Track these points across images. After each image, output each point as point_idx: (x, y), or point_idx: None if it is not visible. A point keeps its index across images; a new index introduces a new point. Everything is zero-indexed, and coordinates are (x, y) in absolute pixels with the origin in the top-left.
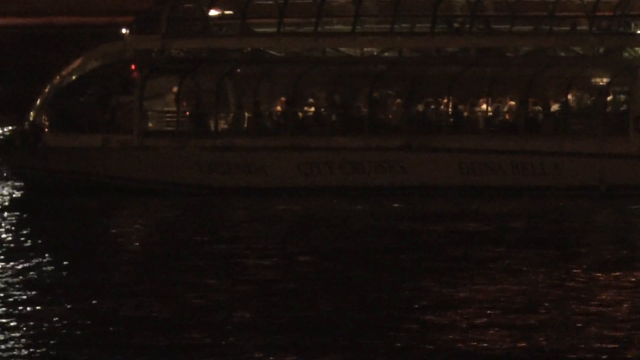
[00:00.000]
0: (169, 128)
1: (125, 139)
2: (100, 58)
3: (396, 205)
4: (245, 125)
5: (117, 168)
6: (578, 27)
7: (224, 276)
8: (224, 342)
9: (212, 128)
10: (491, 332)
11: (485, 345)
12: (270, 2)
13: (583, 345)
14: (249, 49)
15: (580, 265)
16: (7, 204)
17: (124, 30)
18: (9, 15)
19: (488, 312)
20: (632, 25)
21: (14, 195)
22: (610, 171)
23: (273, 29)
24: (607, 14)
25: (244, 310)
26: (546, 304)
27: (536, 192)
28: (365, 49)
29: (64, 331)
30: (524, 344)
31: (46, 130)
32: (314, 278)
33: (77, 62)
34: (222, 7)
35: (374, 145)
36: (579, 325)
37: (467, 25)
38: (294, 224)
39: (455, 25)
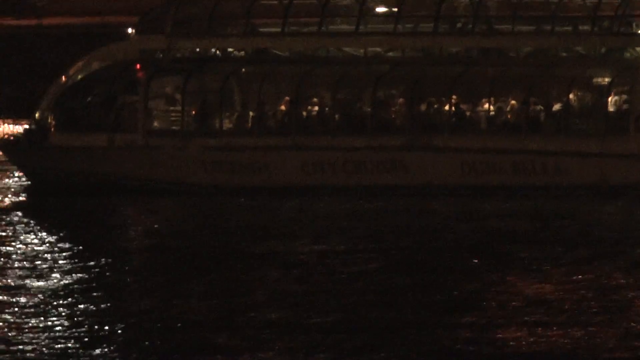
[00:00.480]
0: (173, 127)
1: (130, 138)
2: (105, 58)
3: (414, 204)
4: (250, 124)
5: (122, 167)
6: (580, 28)
7: (251, 276)
8: (254, 343)
9: (217, 127)
10: (531, 331)
11: (524, 344)
12: (275, 2)
13: (625, 344)
14: (254, 48)
15: (614, 264)
16: (13, 203)
17: (129, 30)
18: (60, 14)
19: (526, 310)
20: (634, 25)
21: (20, 195)
22: (611, 171)
23: (277, 29)
24: (608, 14)
25: (273, 310)
26: (580, 302)
27: (537, 191)
28: (368, 49)
29: (87, 330)
30: (561, 341)
31: (52, 129)
32: (342, 278)
33: (82, 62)
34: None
35: (377, 144)
36: (617, 321)
37: (470, 26)
38: (312, 224)
39: (458, 25)
